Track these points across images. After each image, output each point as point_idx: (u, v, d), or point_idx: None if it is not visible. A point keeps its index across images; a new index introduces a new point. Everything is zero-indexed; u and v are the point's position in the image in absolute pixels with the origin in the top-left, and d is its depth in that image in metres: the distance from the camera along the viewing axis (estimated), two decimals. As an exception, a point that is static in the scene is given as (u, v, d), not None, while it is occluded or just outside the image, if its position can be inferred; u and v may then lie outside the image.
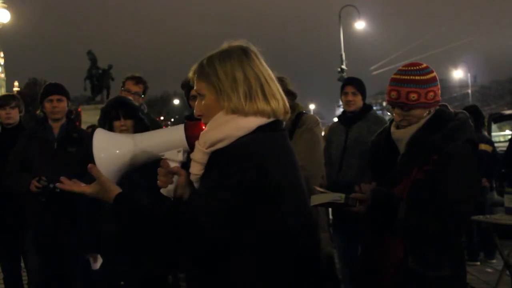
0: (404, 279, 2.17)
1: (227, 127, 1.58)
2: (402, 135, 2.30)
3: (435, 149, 2.19)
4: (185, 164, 1.76)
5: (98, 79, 25.57)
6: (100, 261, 3.42)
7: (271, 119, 1.62)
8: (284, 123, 1.70)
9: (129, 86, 4.36)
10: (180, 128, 1.76)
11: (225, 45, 1.69)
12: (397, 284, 2.19)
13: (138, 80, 4.40)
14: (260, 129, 1.60)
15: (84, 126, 7.42)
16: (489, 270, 6.12)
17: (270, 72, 1.68)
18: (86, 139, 4.05)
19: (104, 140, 1.74)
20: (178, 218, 1.50)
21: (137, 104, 3.30)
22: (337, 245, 4.46)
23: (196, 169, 1.65)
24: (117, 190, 1.64)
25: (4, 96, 4.62)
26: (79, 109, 21.29)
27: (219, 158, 1.57)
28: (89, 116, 17.42)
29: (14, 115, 4.33)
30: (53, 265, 3.84)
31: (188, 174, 1.70)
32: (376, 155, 2.47)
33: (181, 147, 1.74)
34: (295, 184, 1.64)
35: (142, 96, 4.44)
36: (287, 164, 1.63)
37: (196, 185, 1.69)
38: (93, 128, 2.53)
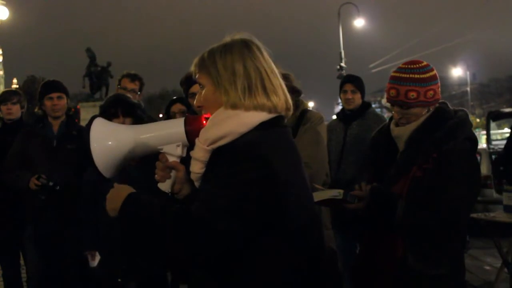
0: (403, 277, 2.17)
1: (228, 123, 1.53)
2: (401, 133, 2.30)
3: (435, 147, 2.19)
4: (184, 159, 1.70)
5: (97, 76, 25.49)
6: (98, 258, 3.42)
7: (273, 115, 1.58)
8: (286, 119, 1.65)
9: (125, 83, 4.36)
10: (180, 121, 1.70)
11: (227, 38, 1.64)
12: (396, 282, 2.19)
13: (134, 77, 4.39)
14: (262, 125, 1.55)
15: (83, 123, 7.40)
16: (487, 267, 6.15)
17: (273, 66, 1.62)
18: (85, 136, 4.04)
19: (102, 130, 1.69)
20: (190, 221, 1.42)
21: (136, 101, 3.30)
22: (337, 244, 4.45)
23: (196, 168, 1.59)
24: (128, 190, 1.56)
25: (5, 92, 4.58)
26: (78, 107, 21.28)
27: (222, 155, 1.51)
28: (88, 113, 17.41)
29: (15, 111, 4.29)
30: (52, 262, 3.84)
31: (188, 170, 1.64)
32: (376, 153, 2.47)
33: (180, 142, 1.68)
34: (300, 180, 1.60)
35: (139, 93, 4.43)
36: (292, 160, 1.59)
37: (196, 184, 1.63)
38: (92, 117, 2.50)
